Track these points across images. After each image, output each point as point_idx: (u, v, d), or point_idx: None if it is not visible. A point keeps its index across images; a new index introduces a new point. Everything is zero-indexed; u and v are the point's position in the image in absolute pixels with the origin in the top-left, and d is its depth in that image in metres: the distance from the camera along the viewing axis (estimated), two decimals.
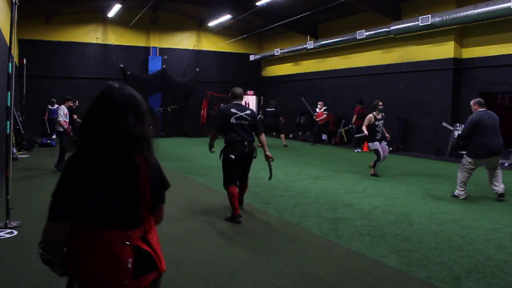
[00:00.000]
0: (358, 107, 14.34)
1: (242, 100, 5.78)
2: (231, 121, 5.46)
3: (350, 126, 14.88)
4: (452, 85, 12.59)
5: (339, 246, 4.44)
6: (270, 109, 15.47)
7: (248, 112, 5.61)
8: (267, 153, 5.62)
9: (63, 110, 9.07)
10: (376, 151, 8.83)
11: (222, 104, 12.45)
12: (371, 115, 8.91)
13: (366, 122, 8.89)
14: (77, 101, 13.31)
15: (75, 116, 12.71)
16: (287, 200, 6.54)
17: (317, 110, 16.03)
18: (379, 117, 8.88)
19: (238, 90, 5.76)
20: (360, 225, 5.22)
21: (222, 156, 5.62)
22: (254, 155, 5.64)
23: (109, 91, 1.66)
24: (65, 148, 8.90)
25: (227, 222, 5.32)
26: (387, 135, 8.99)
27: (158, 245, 1.78)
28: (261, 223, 5.29)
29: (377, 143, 8.80)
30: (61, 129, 9.00)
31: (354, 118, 14.40)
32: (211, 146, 5.94)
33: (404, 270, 3.78)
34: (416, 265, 3.89)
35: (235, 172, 5.52)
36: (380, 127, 8.83)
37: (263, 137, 5.72)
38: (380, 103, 9.08)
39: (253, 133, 5.65)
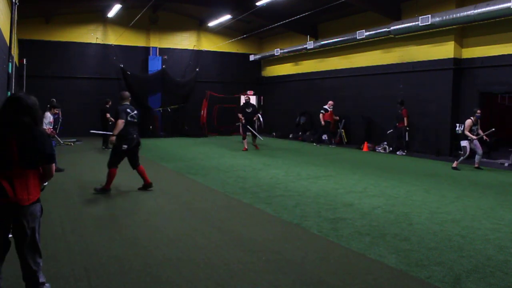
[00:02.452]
0: (404, 109, 13.19)
1: (129, 101, 7.06)
2: (128, 119, 6.72)
3: (407, 129, 13.32)
4: (452, 85, 12.59)
5: (339, 246, 4.44)
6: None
7: (135, 112, 6.97)
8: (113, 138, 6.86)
9: (48, 119, 9.05)
10: (464, 148, 9.99)
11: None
12: (469, 121, 9.95)
13: (467, 128, 9.91)
14: (110, 101, 13.74)
15: (108, 115, 13.24)
16: (287, 200, 6.53)
17: (328, 109, 15.40)
18: (476, 122, 10.04)
19: (126, 93, 7.14)
20: (360, 225, 5.21)
21: (115, 145, 6.79)
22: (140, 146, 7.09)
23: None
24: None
25: (227, 222, 5.33)
26: (485, 137, 10.12)
27: (24, 187, 2.85)
28: (261, 223, 5.29)
29: (466, 141, 9.97)
30: None
31: (405, 121, 13.16)
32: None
33: (404, 270, 3.78)
34: (416, 265, 3.89)
35: (121, 159, 6.90)
36: (474, 130, 10.03)
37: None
38: (479, 111, 10.05)
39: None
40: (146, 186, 7.13)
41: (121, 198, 6.62)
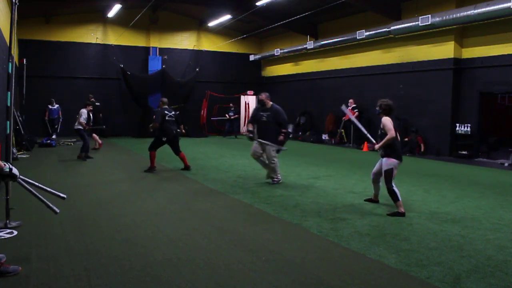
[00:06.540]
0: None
1: (168, 105, 9.30)
2: (166, 118, 9.00)
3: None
4: (452, 85, 12.59)
5: (339, 246, 4.44)
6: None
7: (173, 113, 9.19)
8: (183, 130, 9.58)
9: (84, 115, 11.03)
10: None
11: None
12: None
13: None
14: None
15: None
16: (287, 200, 6.53)
17: (348, 108, 15.25)
18: None
19: (165, 99, 9.44)
20: (360, 225, 5.21)
21: (157, 136, 9.12)
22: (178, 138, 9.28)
23: None
24: (88, 142, 11.20)
25: (227, 222, 5.33)
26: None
27: None
28: (261, 223, 5.29)
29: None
30: (81, 127, 10.94)
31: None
32: (155, 128, 9.18)
33: (404, 270, 3.78)
34: (416, 265, 3.89)
35: (159, 147, 9.22)
36: None
37: (181, 126, 9.52)
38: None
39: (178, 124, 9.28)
40: (186, 168, 9.35)
41: (121, 198, 6.62)
